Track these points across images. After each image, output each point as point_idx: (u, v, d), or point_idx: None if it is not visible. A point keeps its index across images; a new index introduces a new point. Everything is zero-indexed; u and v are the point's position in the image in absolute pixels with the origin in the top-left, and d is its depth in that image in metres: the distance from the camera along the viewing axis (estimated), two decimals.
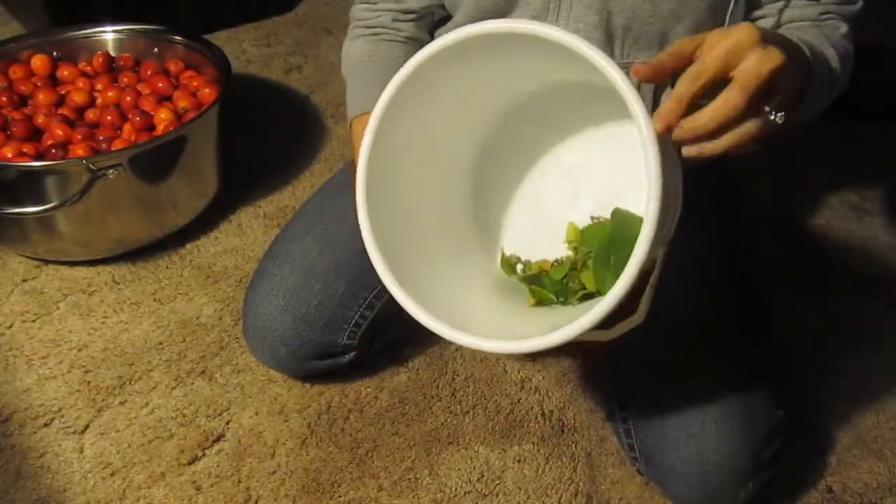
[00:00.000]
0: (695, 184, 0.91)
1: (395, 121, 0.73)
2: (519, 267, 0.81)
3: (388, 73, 0.95)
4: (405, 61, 0.96)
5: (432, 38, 1.01)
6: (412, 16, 0.97)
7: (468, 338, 0.68)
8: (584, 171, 0.81)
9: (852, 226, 1.35)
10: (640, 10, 0.83)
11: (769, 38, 0.60)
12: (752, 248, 1.03)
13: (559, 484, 0.96)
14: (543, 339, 0.63)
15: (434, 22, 1.00)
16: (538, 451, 0.99)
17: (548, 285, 0.78)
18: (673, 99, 0.58)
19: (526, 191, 0.84)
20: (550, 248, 0.81)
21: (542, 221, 0.83)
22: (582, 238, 0.79)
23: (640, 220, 0.71)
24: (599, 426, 1.02)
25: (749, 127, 0.59)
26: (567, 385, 1.07)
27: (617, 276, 0.71)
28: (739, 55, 0.58)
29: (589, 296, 0.76)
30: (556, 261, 0.80)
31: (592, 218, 0.80)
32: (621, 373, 0.93)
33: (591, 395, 1.05)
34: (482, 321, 0.72)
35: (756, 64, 0.58)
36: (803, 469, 0.97)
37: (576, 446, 1.00)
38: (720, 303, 0.91)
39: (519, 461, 0.98)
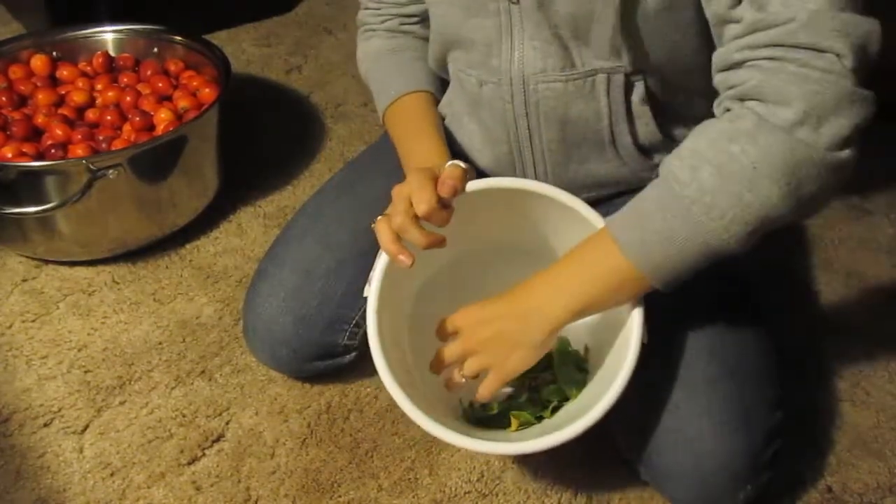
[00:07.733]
0: None
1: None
2: (478, 406, 0.91)
3: (409, 63, 0.99)
4: (422, 53, 1.01)
5: None
6: (415, 19, 1.00)
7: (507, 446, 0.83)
8: None
9: (852, 226, 1.35)
10: (579, 15, 0.80)
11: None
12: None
13: (559, 484, 0.95)
14: (578, 424, 0.78)
15: None
16: None
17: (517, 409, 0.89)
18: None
19: None
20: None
21: None
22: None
23: (566, 341, 0.90)
24: (599, 426, 1.02)
25: (470, 364, 0.80)
26: None
27: (581, 376, 0.89)
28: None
29: (558, 406, 0.89)
30: (508, 395, 0.90)
31: None
32: None
33: None
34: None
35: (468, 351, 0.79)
36: (803, 469, 0.97)
37: (576, 446, 1.00)
38: (717, 304, 0.91)
39: (519, 461, 0.98)
